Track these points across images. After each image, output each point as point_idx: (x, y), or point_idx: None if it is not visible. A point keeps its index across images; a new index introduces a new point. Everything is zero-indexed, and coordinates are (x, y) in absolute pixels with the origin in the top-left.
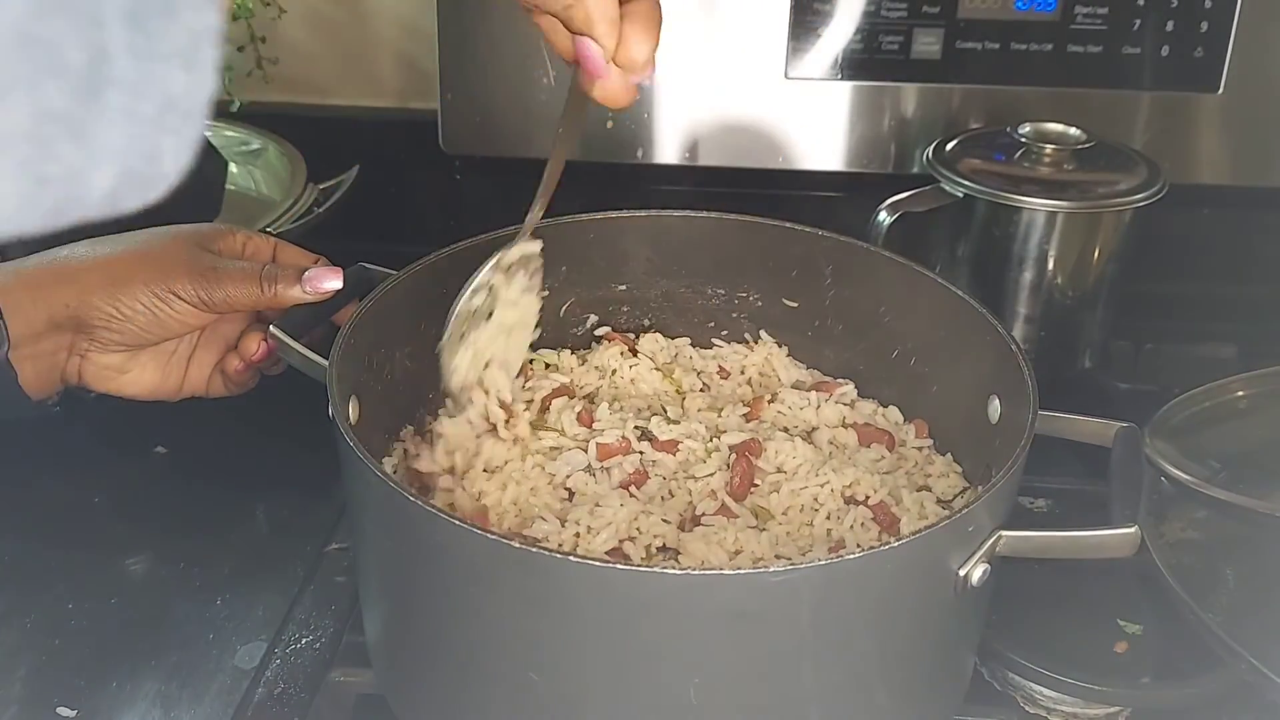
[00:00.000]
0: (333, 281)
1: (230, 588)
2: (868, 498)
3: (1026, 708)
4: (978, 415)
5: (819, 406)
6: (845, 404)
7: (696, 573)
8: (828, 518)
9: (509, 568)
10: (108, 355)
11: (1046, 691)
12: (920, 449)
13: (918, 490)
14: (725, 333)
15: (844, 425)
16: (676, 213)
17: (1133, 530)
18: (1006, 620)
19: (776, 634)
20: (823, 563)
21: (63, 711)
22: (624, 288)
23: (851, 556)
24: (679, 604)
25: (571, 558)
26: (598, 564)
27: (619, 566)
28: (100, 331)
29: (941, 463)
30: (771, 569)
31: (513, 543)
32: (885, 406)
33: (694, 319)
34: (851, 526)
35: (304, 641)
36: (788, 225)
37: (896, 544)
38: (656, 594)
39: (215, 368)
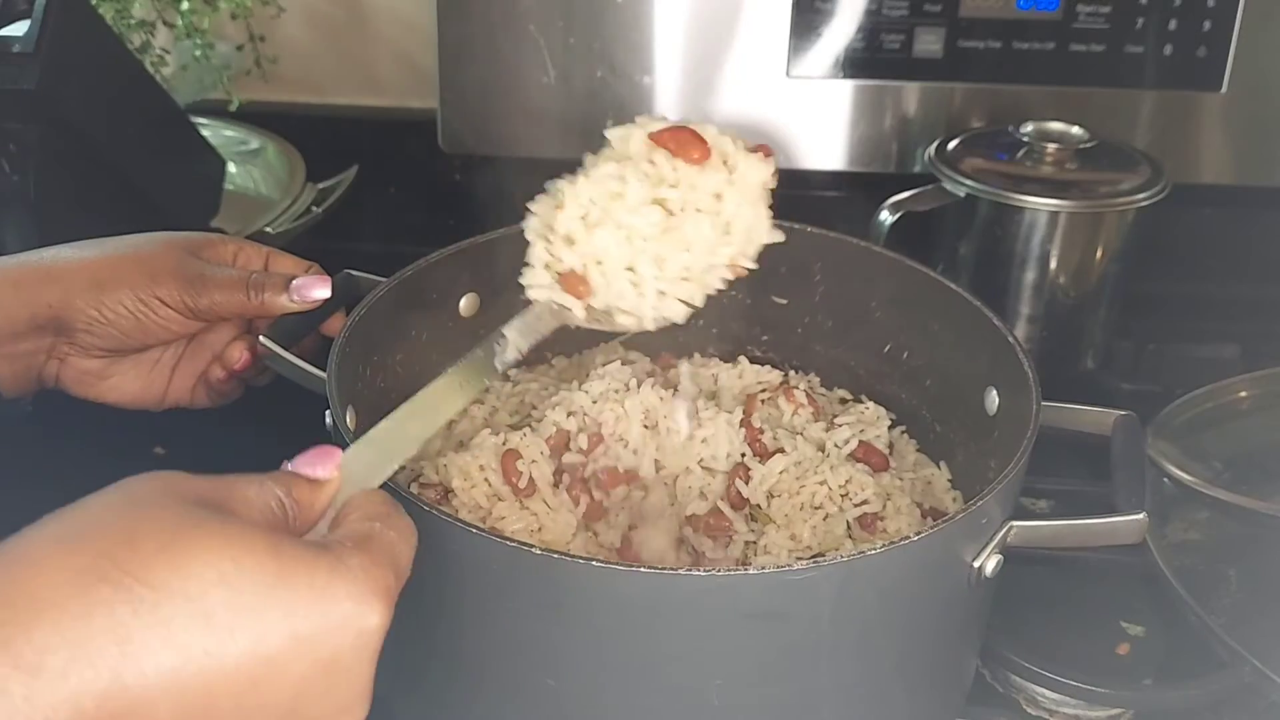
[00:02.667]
0: (321, 290)
1: None
2: (866, 501)
3: (1029, 709)
4: (974, 408)
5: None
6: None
7: (720, 574)
8: (825, 519)
9: (527, 574)
10: (88, 360)
11: (1049, 693)
12: (914, 469)
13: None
14: (715, 330)
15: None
16: None
17: (1140, 516)
18: (1009, 622)
19: (797, 632)
20: (844, 559)
21: None
22: None
23: (872, 552)
24: (702, 605)
25: (594, 562)
26: (621, 568)
27: (642, 570)
28: (81, 335)
29: (937, 477)
30: (794, 567)
31: (533, 549)
32: (892, 425)
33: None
34: (849, 526)
35: None
36: (776, 222)
37: (915, 538)
38: (680, 596)
39: (200, 378)
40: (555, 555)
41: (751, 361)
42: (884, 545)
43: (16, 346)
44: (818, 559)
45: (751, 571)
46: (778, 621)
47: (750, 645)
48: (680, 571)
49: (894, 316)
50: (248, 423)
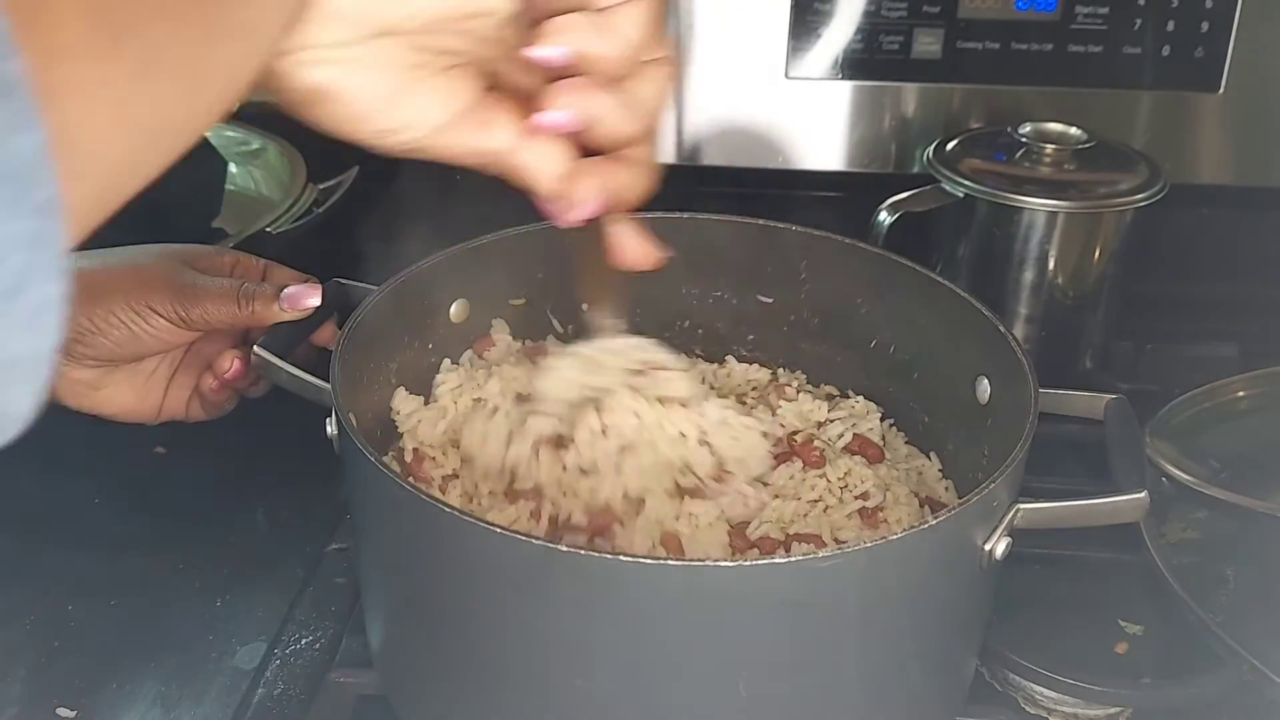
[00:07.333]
0: (312, 298)
1: (230, 588)
2: (866, 494)
3: (1027, 708)
4: (965, 398)
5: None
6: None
7: (749, 563)
8: (825, 511)
9: (553, 572)
10: (81, 370)
11: (1047, 692)
12: (905, 461)
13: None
14: (700, 331)
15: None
16: (647, 214)
17: (1142, 495)
18: (1007, 621)
19: (822, 620)
20: (869, 545)
21: (62, 712)
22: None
23: (894, 537)
24: (731, 596)
25: (622, 557)
26: (649, 562)
27: (671, 562)
28: (74, 345)
29: (928, 468)
30: (821, 554)
31: (560, 547)
32: (882, 418)
33: (669, 319)
34: (850, 516)
35: (304, 642)
36: (760, 222)
37: (935, 522)
38: (709, 588)
39: (194, 390)
40: (582, 552)
41: (738, 361)
42: (904, 531)
43: None
44: (842, 547)
45: (778, 560)
46: (803, 610)
47: (777, 635)
48: (708, 563)
49: (880, 311)
50: (248, 423)
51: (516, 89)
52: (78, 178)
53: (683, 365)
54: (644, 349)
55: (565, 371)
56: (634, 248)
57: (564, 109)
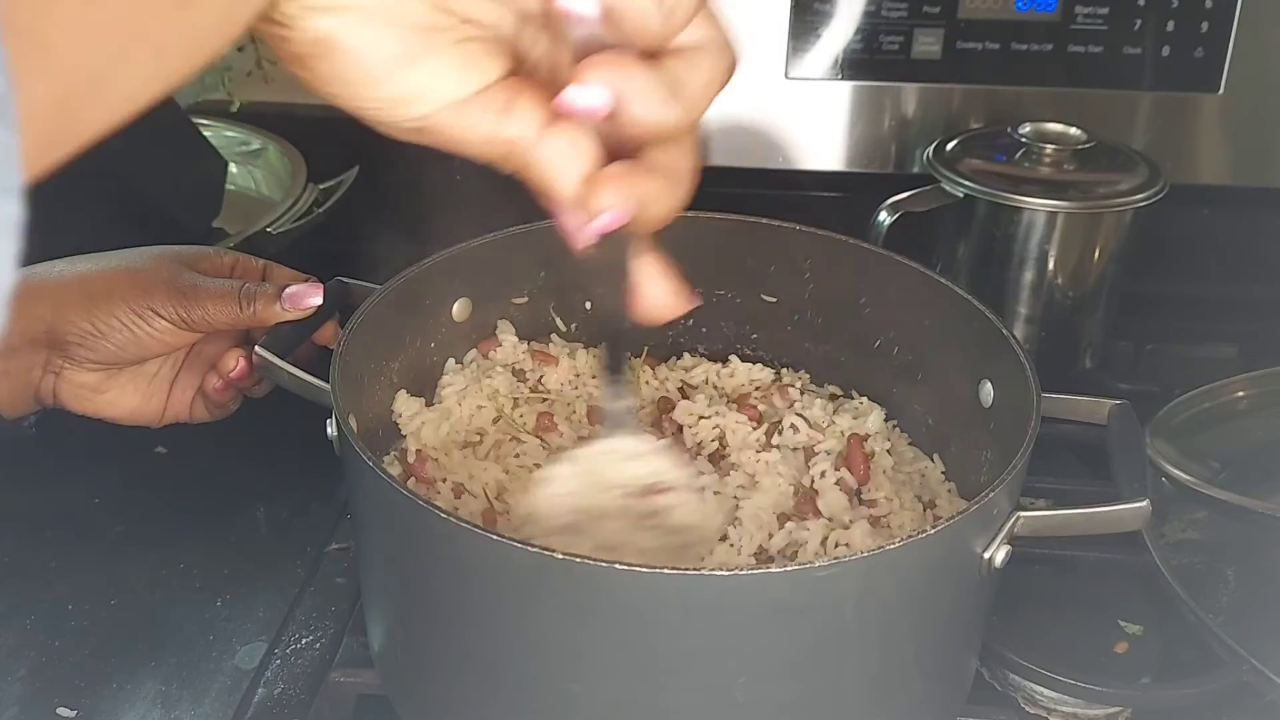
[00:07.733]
0: (313, 298)
1: (230, 588)
2: (875, 502)
3: (1027, 708)
4: (968, 400)
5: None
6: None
7: (745, 573)
8: (829, 519)
9: (549, 579)
10: (83, 374)
11: (1047, 692)
12: (910, 463)
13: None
14: (704, 330)
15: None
16: None
17: (1144, 504)
18: (1007, 621)
19: (820, 627)
20: (865, 555)
21: (63, 712)
22: (602, 291)
23: (892, 546)
24: (728, 604)
25: (618, 565)
26: (645, 570)
27: (667, 571)
28: (75, 348)
29: (931, 469)
30: (817, 563)
31: (555, 554)
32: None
33: (671, 319)
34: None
35: (304, 642)
36: (764, 222)
37: (933, 531)
38: (706, 596)
39: (198, 392)
40: (578, 560)
41: (742, 360)
42: (902, 540)
43: (11, 363)
44: (838, 556)
45: (774, 570)
46: (801, 617)
47: (775, 641)
48: (704, 572)
49: (884, 312)
50: (249, 423)
51: (545, 78)
52: (34, 74)
53: (694, 483)
54: (652, 458)
55: (561, 487)
56: (657, 291)
57: (595, 83)
